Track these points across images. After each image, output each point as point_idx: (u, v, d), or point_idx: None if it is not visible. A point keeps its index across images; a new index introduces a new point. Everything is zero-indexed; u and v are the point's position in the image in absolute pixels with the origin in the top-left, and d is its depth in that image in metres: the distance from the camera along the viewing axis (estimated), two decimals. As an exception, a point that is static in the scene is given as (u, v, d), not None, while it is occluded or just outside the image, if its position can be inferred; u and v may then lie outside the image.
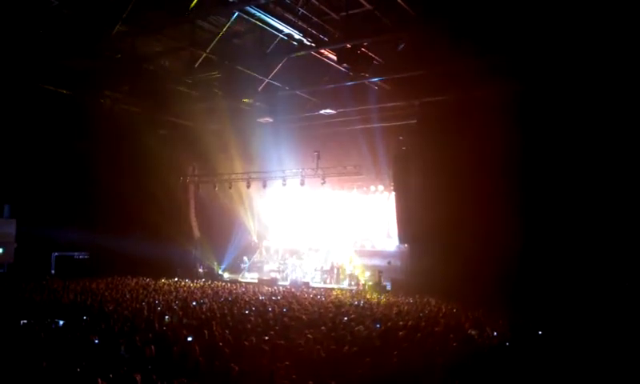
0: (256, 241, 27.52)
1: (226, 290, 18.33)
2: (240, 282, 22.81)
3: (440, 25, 13.86)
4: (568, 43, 14.08)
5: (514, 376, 7.24)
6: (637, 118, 15.16)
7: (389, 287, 20.75)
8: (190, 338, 8.89)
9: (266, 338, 9.18)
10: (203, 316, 11.64)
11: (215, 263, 25.68)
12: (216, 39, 15.69)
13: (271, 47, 15.64)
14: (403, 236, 21.37)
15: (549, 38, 13.95)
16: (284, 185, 23.74)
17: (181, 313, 12.24)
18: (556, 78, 15.82)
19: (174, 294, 16.73)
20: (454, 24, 13.68)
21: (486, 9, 13.29)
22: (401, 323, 10.81)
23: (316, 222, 25.83)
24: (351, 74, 16.47)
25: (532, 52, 14.73)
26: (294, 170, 23.38)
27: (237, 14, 13.87)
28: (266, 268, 25.60)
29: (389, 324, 10.95)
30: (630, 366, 7.71)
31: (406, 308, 14.04)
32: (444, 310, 13.73)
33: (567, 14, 13.11)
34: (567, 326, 11.44)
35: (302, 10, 13.84)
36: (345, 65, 15.67)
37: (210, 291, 17.94)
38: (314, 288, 21.10)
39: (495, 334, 10.34)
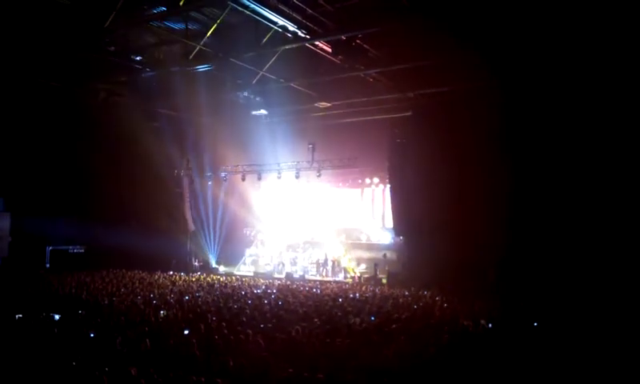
0: (251, 234, 27.49)
1: (222, 284, 18.34)
2: (235, 276, 22.81)
3: (435, 16, 13.81)
4: (562, 37, 14.08)
5: (506, 366, 7.28)
6: (622, 113, 15.30)
7: (384, 280, 20.80)
8: (186, 332, 8.90)
9: (262, 329, 9.21)
10: (199, 309, 11.64)
11: (210, 256, 25.69)
12: (210, 31, 15.60)
13: (265, 39, 15.56)
14: (399, 228, 21.40)
15: (544, 32, 13.95)
16: (279, 178, 23.72)
17: (177, 306, 12.25)
18: (551, 72, 15.83)
19: (170, 287, 16.72)
20: (449, 16, 13.63)
21: (481, 1, 13.29)
22: (396, 316, 10.85)
23: (311, 215, 25.83)
24: (346, 66, 16.41)
25: (527, 45, 14.72)
26: (289, 163, 23.33)
27: (230, 5, 13.76)
28: (262, 261, 25.59)
29: (384, 316, 10.99)
30: (623, 354, 7.77)
31: (401, 300, 14.09)
32: (439, 302, 13.79)
33: (560, 11, 13.11)
34: (561, 316, 11.51)
35: (295, 1, 13.74)
36: (339, 57, 15.61)
37: (205, 285, 17.96)
38: (309, 281, 21.14)
39: (490, 325, 10.39)
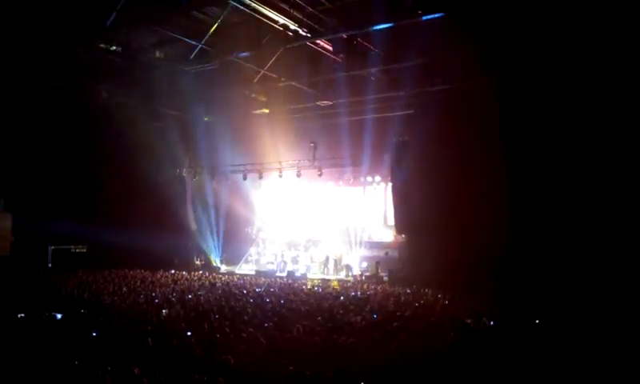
0: (253, 233, 27.52)
1: (224, 282, 18.36)
2: (237, 274, 22.83)
3: (436, 14, 13.78)
4: (563, 34, 14.05)
5: (508, 363, 7.28)
6: (623, 111, 15.27)
7: (386, 278, 20.80)
8: (189, 333, 8.90)
9: (264, 328, 9.22)
10: (201, 308, 11.66)
11: (212, 255, 25.72)
12: (211, 30, 15.60)
13: (267, 38, 15.55)
14: (400, 226, 21.39)
15: (545, 29, 13.92)
16: (280, 176, 23.73)
17: (178, 305, 12.26)
18: (553, 70, 15.78)
19: (172, 286, 16.75)
20: (450, 13, 13.60)
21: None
22: (398, 314, 10.85)
23: (313, 214, 25.84)
24: (347, 64, 16.40)
25: (528, 42, 14.69)
26: (290, 162, 23.35)
27: (231, 4, 13.76)
28: (263, 260, 25.62)
29: (386, 314, 10.99)
30: (624, 352, 7.77)
31: (403, 298, 14.09)
32: (441, 300, 13.79)
33: (561, 9, 13.09)
34: (562, 313, 11.50)
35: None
36: (341, 55, 15.60)
37: (207, 283, 17.97)
38: (311, 279, 21.15)
39: (492, 323, 10.39)
